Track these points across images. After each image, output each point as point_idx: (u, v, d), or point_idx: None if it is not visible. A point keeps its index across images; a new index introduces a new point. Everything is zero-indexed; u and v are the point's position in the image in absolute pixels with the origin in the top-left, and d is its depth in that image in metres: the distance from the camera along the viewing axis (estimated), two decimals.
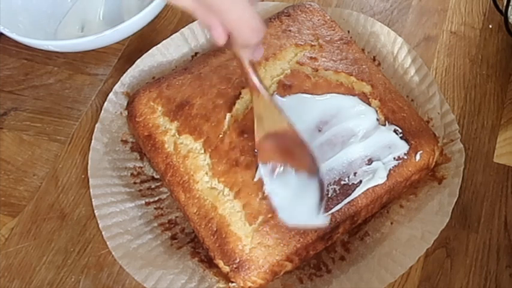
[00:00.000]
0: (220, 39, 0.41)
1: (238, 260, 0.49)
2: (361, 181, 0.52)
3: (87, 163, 0.57)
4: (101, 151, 0.58)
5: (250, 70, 0.45)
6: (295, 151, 0.46)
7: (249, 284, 0.50)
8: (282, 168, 0.46)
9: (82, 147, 0.61)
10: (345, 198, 0.51)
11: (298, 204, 0.47)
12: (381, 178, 0.52)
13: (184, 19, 0.69)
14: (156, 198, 0.57)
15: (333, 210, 0.51)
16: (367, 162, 0.52)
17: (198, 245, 0.54)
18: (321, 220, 0.47)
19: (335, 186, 0.51)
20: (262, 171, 0.47)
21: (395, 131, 0.54)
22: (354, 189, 0.52)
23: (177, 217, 0.56)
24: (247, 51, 0.43)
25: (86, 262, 0.55)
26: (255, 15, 0.39)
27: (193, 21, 0.65)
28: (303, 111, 0.54)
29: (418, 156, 0.54)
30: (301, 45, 0.60)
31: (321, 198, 0.46)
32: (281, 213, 0.48)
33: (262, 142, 0.47)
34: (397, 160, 0.53)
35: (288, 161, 0.47)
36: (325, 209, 0.50)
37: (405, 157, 0.53)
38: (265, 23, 0.60)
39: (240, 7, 0.39)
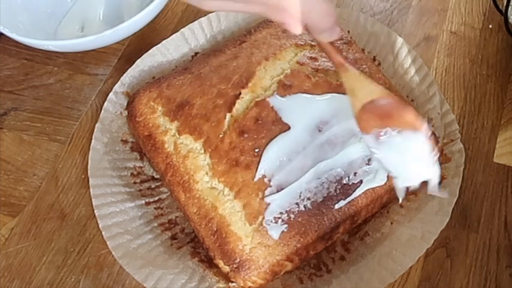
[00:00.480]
0: (297, 31, 0.42)
1: (238, 260, 0.49)
2: (361, 181, 0.52)
3: (87, 163, 0.57)
4: (101, 151, 0.58)
5: (332, 50, 0.47)
6: (394, 113, 0.46)
7: (249, 284, 0.50)
8: (385, 132, 0.46)
9: (82, 147, 0.61)
10: (345, 198, 0.51)
11: (411, 162, 0.46)
12: (381, 180, 0.52)
13: (184, 19, 0.69)
14: (156, 198, 0.57)
15: (334, 210, 0.51)
16: (367, 162, 0.52)
17: (198, 245, 0.54)
18: (435, 172, 0.47)
19: (335, 186, 0.51)
20: (367, 141, 0.47)
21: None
22: (355, 189, 0.52)
23: (177, 217, 0.56)
24: (324, 34, 0.44)
25: (86, 262, 0.55)
26: (322, 2, 0.41)
27: (193, 21, 0.65)
28: (303, 111, 0.54)
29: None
30: (301, 45, 0.60)
31: (432, 149, 0.46)
32: (397, 178, 0.47)
33: (361, 113, 0.47)
34: None
35: (390, 125, 0.46)
36: (326, 208, 0.50)
37: None
38: (268, 22, 0.59)
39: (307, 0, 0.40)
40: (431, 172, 0.46)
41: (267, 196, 0.51)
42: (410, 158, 0.46)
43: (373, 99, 0.47)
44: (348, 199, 0.51)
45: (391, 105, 0.47)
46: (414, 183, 0.47)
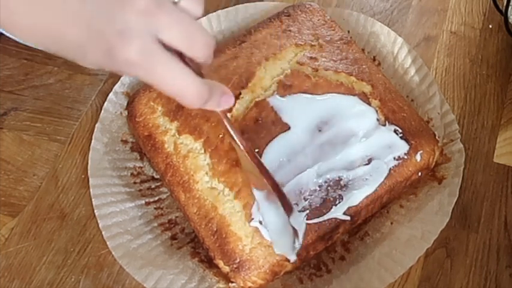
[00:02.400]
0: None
1: (238, 260, 0.49)
2: (361, 181, 0.52)
3: (87, 163, 0.57)
4: (101, 151, 0.58)
5: (226, 123, 0.45)
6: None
7: (249, 284, 0.50)
8: (273, 197, 0.46)
9: (82, 147, 0.61)
10: (345, 198, 0.51)
11: (281, 234, 0.48)
12: (379, 181, 0.52)
13: None
14: (156, 198, 0.57)
15: (333, 210, 0.51)
16: (367, 162, 0.52)
17: (198, 245, 0.54)
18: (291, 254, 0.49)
19: (335, 187, 0.51)
20: (256, 194, 0.48)
21: (395, 131, 0.54)
22: (355, 189, 0.52)
23: (177, 217, 0.56)
24: (210, 105, 0.41)
25: (86, 262, 0.55)
26: (194, 82, 0.38)
27: None
28: (303, 111, 0.54)
29: (418, 156, 0.54)
30: (301, 45, 0.60)
31: (294, 241, 0.48)
32: (269, 235, 0.49)
33: (252, 176, 0.48)
34: (397, 160, 0.53)
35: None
36: (326, 209, 0.51)
37: (405, 157, 0.53)
38: (268, 22, 0.58)
39: (176, 78, 0.38)
40: (290, 255, 0.49)
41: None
42: (282, 230, 0.47)
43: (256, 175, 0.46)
44: (349, 199, 0.51)
45: (268, 185, 0.46)
46: (278, 251, 0.49)
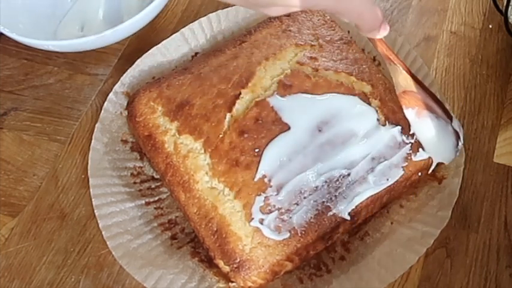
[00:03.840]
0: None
1: (238, 259, 0.49)
2: (361, 181, 0.52)
3: (87, 163, 0.57)
4: (101, 151, 0.58)
5: (382, 47, 0.51)
6: (431, 104, 0.52)
7: (249, 283, 0.50)
8: (425, 112, 0.51)
9: (82, 147, 0.61)
10: (345, 198, 0.51)
11: (439, 143, 0.52)
12: (383, 183, 0.52)
13: (184, 19, 0.70)
14: (156, 198, 0.57)
15: (334, 210, 0.51)
16: (367, 162, 0.52)
17: (198, 244, 0.54)
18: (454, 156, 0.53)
19: (335, 187, 0.51)
20: (408, 114, 0.51)
21: (395, 130, 0.54)
22: (355, 190, 0.52)
23: (177, 217, 0.56)
24: (373, 33, 0.48)
25: (86, 262, 0.55)
26: (371, 6, 0.45)
27: (193, 21, 0.65)
28: (303, 111, 0.54)
29: (418, 156, 0.54)
30: (301, 45, 0.60)
31: (457, 142, 0.52)
32: (426, 149, 0.53)
33: (403, 94, 0.51)
34: (397, 160, 0.53)
35: (428, 109, 0.51)
36: (326, 209, 0.51)
37: (405, 157, 0.53)
38: (268, 22, 0.61)
39: (357, 5, 0.44)
40: (451, 157, 0.53)
41: (267, 196, 0.51)
42: (439, 140, 0.52)
43: (413, 90, 0.51)
44: (348, 200, 0.51)
45: (427, 97, 0.52)
46: (438, 160, 0.53)
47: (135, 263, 0.52)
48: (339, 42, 0.60)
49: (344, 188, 0.51)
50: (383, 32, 0.48)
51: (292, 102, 0.55)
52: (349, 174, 0.52)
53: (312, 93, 0.55)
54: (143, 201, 0.56)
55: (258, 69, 0.57)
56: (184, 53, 0.65)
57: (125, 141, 0.60)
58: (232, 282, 0.51)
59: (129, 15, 0.65)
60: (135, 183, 0.57)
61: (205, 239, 0.51)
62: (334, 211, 0.51)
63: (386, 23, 0.48)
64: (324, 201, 0.51)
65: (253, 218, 0.50)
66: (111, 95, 0.61)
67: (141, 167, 0.59)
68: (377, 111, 0.55)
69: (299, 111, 0.54)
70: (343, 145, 0.52)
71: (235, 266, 0.49)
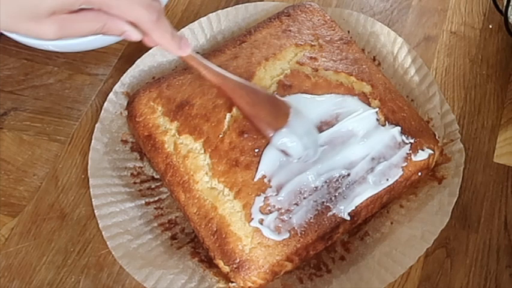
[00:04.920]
0: (137, 37, 0.45)
1: (238, 260, 0.49)
2: (361, 181, 0.52)
3: (87, 163, 0.57)
4: (101, 151, 0.58)
5: (192, 63, 0.49)
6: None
7: (249, 284, 0.50)
8: None
9: (82, 147, 0.61)
10: (345, 198, 0.51)
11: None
12: (382, 184, 0.52)
13: (184, 19, 0.69)
14: (156, 198, 0.57)
15: (333, 211, 0.51)
16: (367, 162, 0.52)
17: (198, 245, 0.54)
18: None
19: (335, 187, 0.51)
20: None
21: (395, 131, 0.54)
22: (355, 190, 0.52)
23: (177, 217, 0.56)
24: (172, 43, 0.46)
25: (86, 262, 0.55)
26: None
27: (193, 21, 0.65)
28: (303, 112, 0.54)
29: (418, 156, 0.54)
30: (301, 45, 0.60)
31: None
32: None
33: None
34: (397, 160, 0.53)
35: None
36: (326, 209, 0.51)
37: (405, 157, 0.53)
38: (268, 22, 0.60)
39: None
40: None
41: (267, 196, 0.51)
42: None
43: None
44: (348, 200, 0.51)
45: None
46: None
47: (135, 263, 0.52)
48: (338, 42, 0.60)
49: (344, 188, 0.51)
50: (185, 49, 0.47)
51: (292, 102, 0.54)
52: (349, 175, 0.52)
53: (311, 94, 0.55)
54: (143, 201, 0.56)
55: (258, 69, 0.57)
56: None
57: (125, 141, 0.60)
58: (232, 282, 0.51)
59: None
60: (135, 183, 0.57)
61: (205, 239, 0.51)
62: (334, 211, 0.51)
63: (187, 40, 0.47)
64: (323, 202, 0.51)
65: (253, 218, 0.50)
66: (111, 95, 0.61)
67: (141, 167, 0.59)
68: (377, 112, 0.55)
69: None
70: (343, 145, 0.52)
71: (235, 266, 0.49)
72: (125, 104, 0.60)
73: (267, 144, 0.52)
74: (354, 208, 0.51)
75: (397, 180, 0.53)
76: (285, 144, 0.50)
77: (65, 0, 0.40)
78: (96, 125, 0.59)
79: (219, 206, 0.51)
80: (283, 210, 0.50)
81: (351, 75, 0.57)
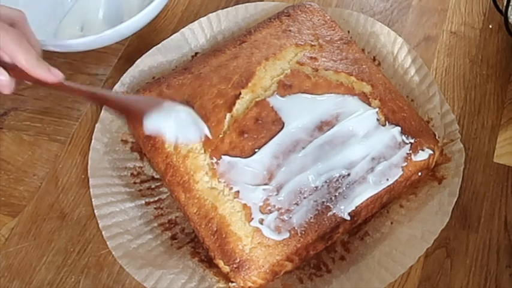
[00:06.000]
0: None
1: (238, 260, 0.49)
2: (361, 181, 0.52)
3: (87, 163, 0.57)
4: (101, 151, 0.58)
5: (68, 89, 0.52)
6: None
7: (249, 283, 0.50)
8: None
9: (82, 147, 0.61)
10: (345, 198, 0.51)
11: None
12: (382, 183, 0.52)
13: (185, 19, 0.69)
14: (156, 198, 0.57)
15: (334, 210, 0.51)
16: (367, 162, 0.52)
17: (198, 245, 0.54)
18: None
19: (335, 187, 0.51)
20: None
21: (395, 131, 0.54)
22: (355, 190, 0.52)
23: (177, 217, 0.56)
24: (39, 70, 0.48)
25: (86, 262, 0.55)
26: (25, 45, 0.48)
27: (193, 21, 0.65)
28: (303, 111, 0.54)
29: (418, 156, 0.54)
30: (301, 45, 0.60)
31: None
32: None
33: None
34: (397, 160, 0.53)
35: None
36: (326, 209, 0.51)
37: (405, 157, 0.53)
38: (268, 22, 0.61)
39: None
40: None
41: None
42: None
43: None
44: (348, 200, 0.51)
45: None
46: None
47: (135, 263, 0.52)
48: (339, 42, 0.60)
49: (344, 188, 0.51)
50: (55, 73, 0.49)
51: (292, 102, 0.55)
52: (349, 175, 0.52)
53: (311, 93, 0.55)
54: (143, 201, 0.56)
55: (258, 69, 0.57)
56: (184, 53, 0.65)
57: (124, 141, 0.60)
58: (232, 282, 0.51)
59: (129, 15, 0.65)
60: (135, 183, 0.57)
61: (205, 239, 0.51)
62: (334, 211, 0.51)
63: (56, 70, 0.49)
64: (324, 201, 0.51)
65: (253, 218, 0.50)
66: None
67: (141, 167, 0.59)
68: (377, 112, 0.55)
69: (299, 111, 0.54)
70: (343, 145, 0.52)
71: (235, 266, 0.49)
72: None
73: (267, 144, 0.52)
74: (354, 208, 0.52)
75: (397, 180, 0.53)
76: (157, 126, 0.51)
77: None
78: (96, 125, 0.59)
79: (219, 206, 0.51)
80: (283, 210, 0.50)
81: (351, 75, 0.57)
